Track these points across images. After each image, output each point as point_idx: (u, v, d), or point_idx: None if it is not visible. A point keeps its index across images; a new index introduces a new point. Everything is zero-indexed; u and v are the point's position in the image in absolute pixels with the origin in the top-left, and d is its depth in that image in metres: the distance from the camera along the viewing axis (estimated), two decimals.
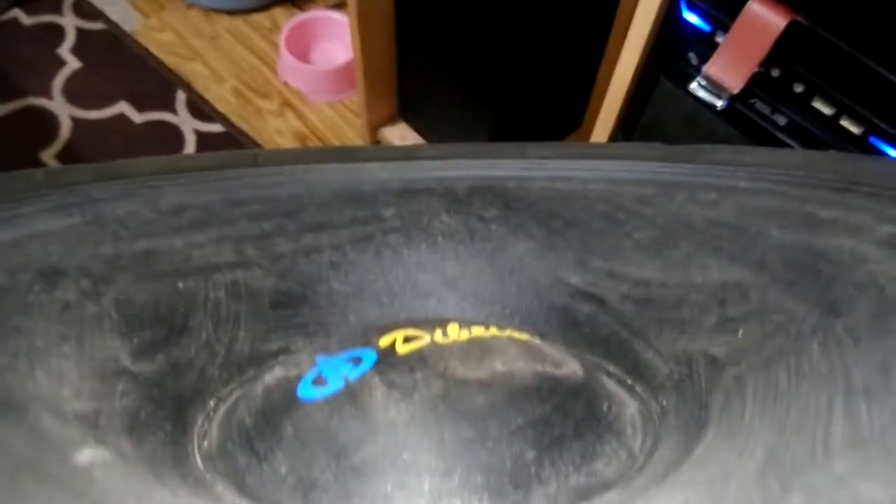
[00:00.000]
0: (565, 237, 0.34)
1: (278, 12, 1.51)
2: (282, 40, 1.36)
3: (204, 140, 1.33)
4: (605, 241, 0.33)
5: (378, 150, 0.36)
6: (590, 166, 0.34)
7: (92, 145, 1.31)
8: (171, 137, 1.33)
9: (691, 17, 0.68)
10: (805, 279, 0.27)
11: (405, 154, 0.36)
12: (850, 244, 0.27)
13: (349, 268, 0.34)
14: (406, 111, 1.25)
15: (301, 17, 1.41)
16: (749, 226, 0.30)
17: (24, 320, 0.25)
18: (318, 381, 0.27)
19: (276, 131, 1.36)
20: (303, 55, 1.40)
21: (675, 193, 0.32)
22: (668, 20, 0.70)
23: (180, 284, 0.30)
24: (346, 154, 0.35)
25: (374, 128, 1.26)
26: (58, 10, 1.48)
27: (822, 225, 0.28)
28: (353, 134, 1.37)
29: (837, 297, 0.25)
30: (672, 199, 0.32)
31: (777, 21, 0.60)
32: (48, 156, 1.29)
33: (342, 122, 1.39)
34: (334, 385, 0.27)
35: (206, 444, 0.28)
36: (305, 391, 0.27)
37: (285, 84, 1.41)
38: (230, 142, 1.34)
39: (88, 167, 0.32)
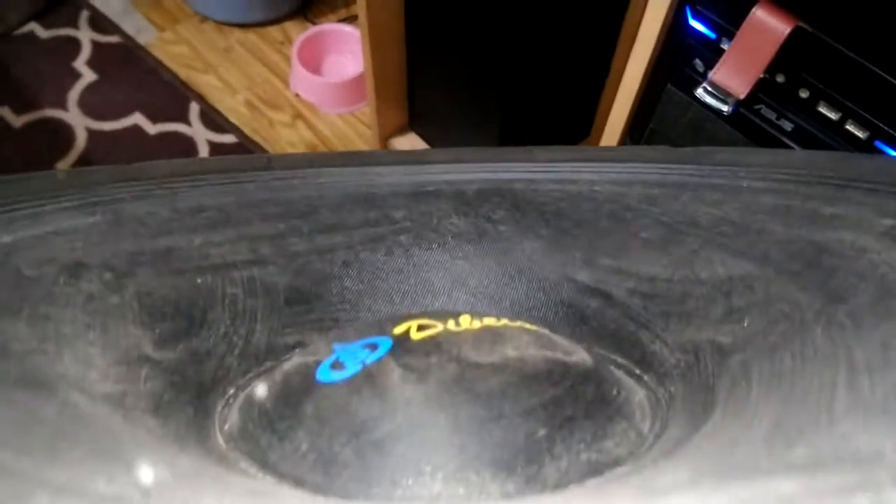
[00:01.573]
0: (573, 236, 0.34)
1: (290, 25, 1.53)
2: (294, 53, 1.38)
3: (217, 151, 1.35)
4: (612, 240, 0.34)
5: (388, 155, 0.37)
6: (596, 168, 0.35)
7: (107, 156, 1.33)
8: (184, 148, 1.35)
9: (697, 25, 0.69)
10: (808, 270, 0.28)
11: (415, 158, 0.37)
12: (852, 237, 0.27)
13: (361, 267, 0.35)
14: (416, 122, 1.26)
15: (313, 30, 1.42)
16: (753, 223, 0.30)
17: (51, 309, 0.26)
18: (336, 365, 0.28)
19: (288, 142, 1.38)
20: (314, 68, 1.42)
21: (680, 193, 0.33)
22: (674, 28, 0.71)
23: (199, 280, 0.31)
24: (357, 158, 0.36)
25: (384, 138, 1.27)
26: (74, 23, 1.51)
27: (825, 220, 0.29)
28: (363, 145, 1.38)
29: (840, 285, 0.26)
30: (678, 198, 0.33)
31: (781, 27, 0.60)
32: (64, 167, 1.31)
33: (353, 133, 1.40)
34: (352, 368, 0.28)
35: (227, 426, 0.29)
36: (324, 375, 0.28)
37: (297, 96, 1.43)
38: (243, 153, 1.35)
39: (108, 168, 0.33)
